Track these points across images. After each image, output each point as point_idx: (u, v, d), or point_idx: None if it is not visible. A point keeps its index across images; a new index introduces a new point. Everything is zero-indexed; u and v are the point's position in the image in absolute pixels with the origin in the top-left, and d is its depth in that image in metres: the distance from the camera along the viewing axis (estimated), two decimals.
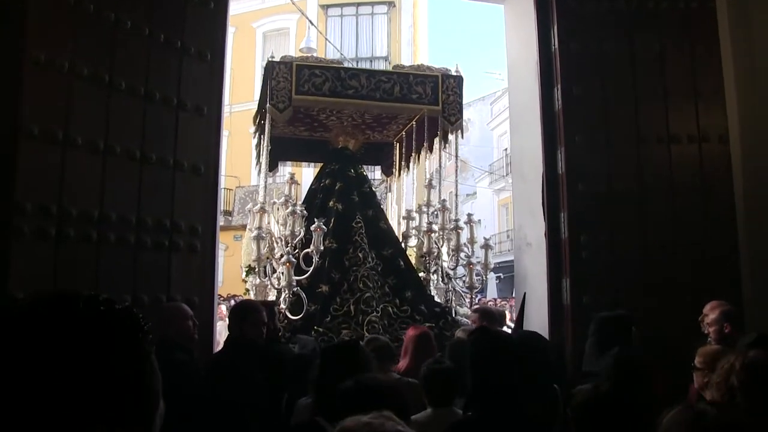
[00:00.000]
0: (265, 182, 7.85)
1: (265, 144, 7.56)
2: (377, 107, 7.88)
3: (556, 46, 6.11)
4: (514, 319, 10.84)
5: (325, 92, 7.36)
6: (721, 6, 6.02)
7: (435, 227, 7.70)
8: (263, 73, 7.67)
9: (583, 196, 5.85)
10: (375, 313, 6.81)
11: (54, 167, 4.25)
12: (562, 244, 5.91)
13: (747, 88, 5.93)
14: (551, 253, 5.97)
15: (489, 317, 6.18)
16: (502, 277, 31.49)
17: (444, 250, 7.86)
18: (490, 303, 18.86)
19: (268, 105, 7.27)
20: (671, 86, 6.02)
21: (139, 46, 4.88)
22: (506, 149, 32.78)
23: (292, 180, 7.98)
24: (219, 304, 12.08)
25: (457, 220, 7.70)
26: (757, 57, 5.95)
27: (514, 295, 7.24)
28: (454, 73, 8.00)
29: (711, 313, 4.81)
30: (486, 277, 8.11)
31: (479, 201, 37.55)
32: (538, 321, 6.10)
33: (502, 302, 17.57)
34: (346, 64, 8.60)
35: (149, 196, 4.82)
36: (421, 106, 7.83)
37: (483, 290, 29.15)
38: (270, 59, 7.45)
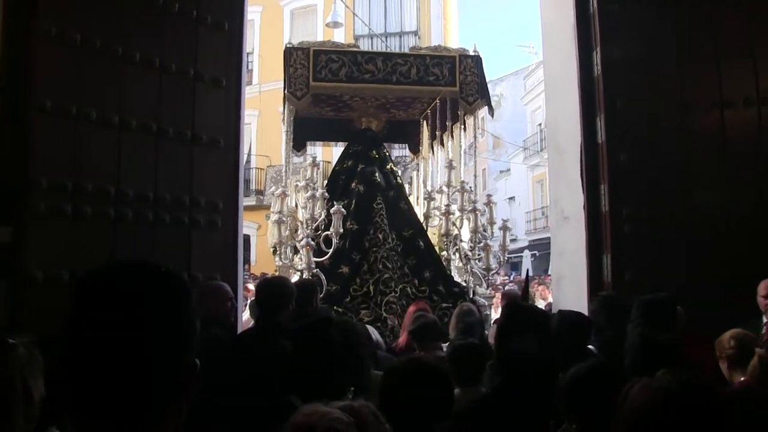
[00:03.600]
0: (286, 164, 8.07)
1: (287, 128, 7.72)
2: (394, 90, 7.90)
3: (595, 6, 5.77)
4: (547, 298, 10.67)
5: (341, 78, 7.43)
6: None
7: (453, 208, 7.68)
8: (283, 58, 7.66)
9: (625, 166, 5.54)
10: (393, 294, 6.89)
11: (68, 143, 4.10)
12: (603, 218, 5.62)
13: None
14: (591, 228, 5.68)
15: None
16: (537, 254, 31.10)
17: (464, 231, 7.84)
18: (519, 280, 18.54)
19: (286, 92, 7.36)
20: (723, 45, 5.58)
21: (153, 17, 4.67)
22: (540, 124, 32.25)
23: (314, 163, 7.99)
24: (247, 282, 12.05)
25: (474, 202, 7.72)
26: None
27: (550, 272, 7.04)
28: (471, 53, 7.95)
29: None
30: (504, 258, 8.01)
31: (513, 177, 37.08)
32: (576, 300, 5.81)
33: (536, 279, 17.17)
34: (374, 40, 8.53)
35: (167, 171, 4.64)
36: (438, 88, 7.83)
37: (516, 268, 28.91)
38: (288, 45, 7.50)
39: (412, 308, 5.27)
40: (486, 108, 8.03)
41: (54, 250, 3.97)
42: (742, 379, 3.39)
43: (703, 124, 5.61)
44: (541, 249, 30.85)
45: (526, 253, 32.11)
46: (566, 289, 6.25)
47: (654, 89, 5.62)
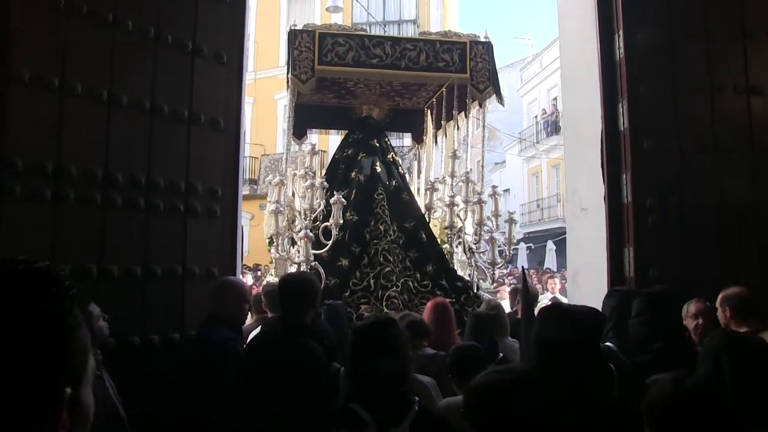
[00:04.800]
0: (287, 152, 7.74)
1: (289, 114, 7.42)
2: (403, 76, 7.56)
3: None
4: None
5: (348, 62, 7.09)
6: None
7: (458, 200, 7.39)
8: (287, 41, 7.33)
9: (648, 154, 5.20)
10: (395, 288, 6.59)
11: (49, 119, 3.68)
12: (625, 209, 5.29)
13: None
14: (611, 219, 5.35)
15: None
16: (532, 247, 30.86)
17: (468, 223, 7.56)
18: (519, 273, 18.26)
19: (290, 75, 7.03)
20: (753, 27, 5.27)
21: None
22: (536, 116, 32.00)
23: (313, 150, 7.71)
24: (243, 274, 11.69)
25: (480, 193, 7.39)
26: None
27: (566, 267, 6.84)
28: (482, 39, 7.62)
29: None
30: (509, 252, 7.73)
31: (508, 169, 36.82)
32: (595, 296, 5.47)
33: (547, 273, 16.82)
34: (372, 28, 8.24)
35: (161, 153, 4.23)
36: (448, 75, 7.48)
37: (512, 261, 28.79)
38: (292, 27, 7.17)
39: (430, 304, 5.03)
40: (486, 100, 7.72)
41: (30, 239, 3.57)
42: None
43: (731, 109, 5.28)
44: (536, 242, 30.65)
45: (522, 246, 31.85)
46: (583, 284, 5.93)
47: (680, 73, 5.29)
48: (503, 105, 8.03)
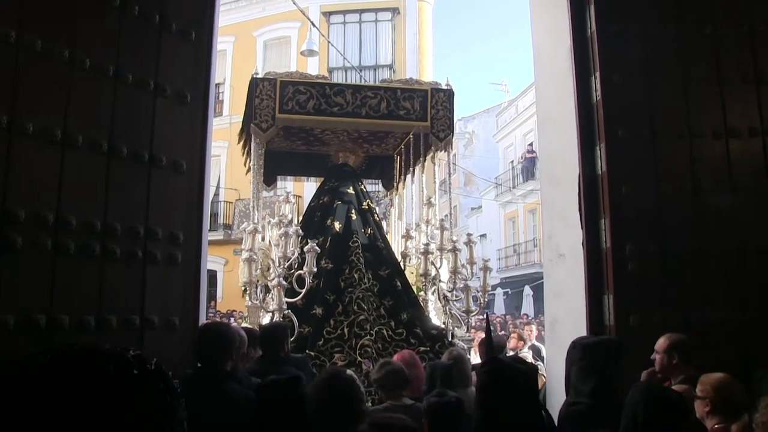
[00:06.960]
0: (254, 200, 7.63)
1: (255, 161, 7.36)
2: (363, 125, 7.60)
3: (593, 28, 5.37)
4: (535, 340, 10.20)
5: (309, 110, 7.13)
6: None
7: (432, 247, 7.32)
8: (248, 89, 7.34)
9: (627, 199, 5.08)
10: (369, 336, 6.53)
11: None
12: (604, 255, 5.14)
13: None
14: (590, 266, 5.19)
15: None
16: (509, 292, 30.75)
17: (443, 270, 7.50)
18: (498, 319, 18.13)
19: (251, 124, 7.02)
20: (728, 71, 5.22)
21: (109, 19, 4.07)
22: (512, 161, 32.17)
23: (288, 198, 7.58)
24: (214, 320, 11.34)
25: (455, 241, 7.36)
26: None
27: (544, 313, 6.72)
28: (444, 87, 7.70)
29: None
30: (484, 300, 7.63)
31: (485, 215, 36.88)
32: None
33: (523, 320, 16.61)
34: (348, 72, 8.31)
35: (119, 196, 4.00)
36: (409, 123, 7.53)
37: (488, 307, 28.67)
38: (254, 75, 7.20)
39: (397, 357, 4.91)
40: (459, 144, 7.71)
41: None
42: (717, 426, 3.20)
43: (710, 153, 5.19)
44: (513, 287, 30.58)
45: (499, 291, 31.72)
46: (562, 333, 5.73)
47: (658, 116, 5.21)
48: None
